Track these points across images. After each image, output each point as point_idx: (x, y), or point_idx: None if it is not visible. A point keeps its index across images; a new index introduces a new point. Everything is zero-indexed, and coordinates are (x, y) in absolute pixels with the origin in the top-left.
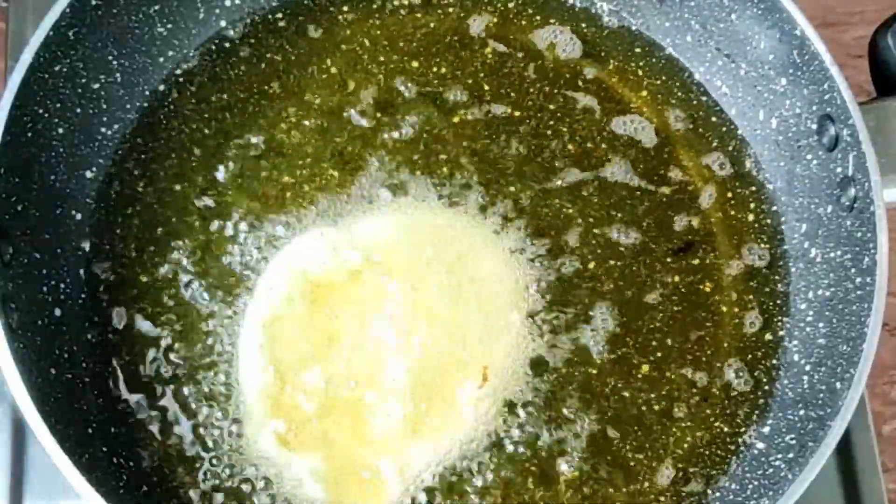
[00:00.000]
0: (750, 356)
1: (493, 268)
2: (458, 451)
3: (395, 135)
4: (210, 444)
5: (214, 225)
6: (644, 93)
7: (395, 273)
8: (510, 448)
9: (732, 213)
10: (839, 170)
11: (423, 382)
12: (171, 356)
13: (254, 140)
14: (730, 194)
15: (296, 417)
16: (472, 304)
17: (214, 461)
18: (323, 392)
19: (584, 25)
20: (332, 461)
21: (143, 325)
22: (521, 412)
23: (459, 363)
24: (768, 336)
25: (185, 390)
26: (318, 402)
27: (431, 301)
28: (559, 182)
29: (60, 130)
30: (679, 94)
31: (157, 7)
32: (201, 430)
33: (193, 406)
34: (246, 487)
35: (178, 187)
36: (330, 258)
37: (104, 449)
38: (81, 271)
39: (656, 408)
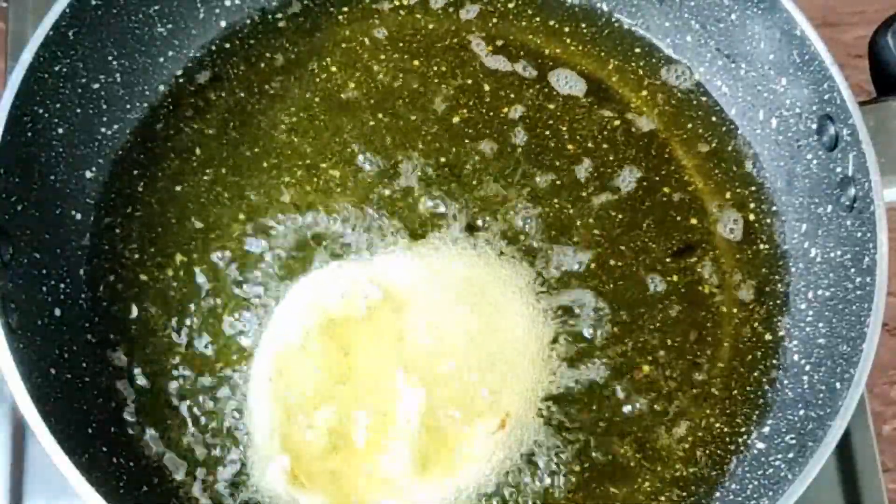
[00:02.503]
0: (750, 356)
1: (513, 310)
2: (466, 496)
3: (398, 137)
4: (212, 456)
5: (217, 233)
6: (644, 92)
7: (413, 312)
8: (520, 491)
9: (732, 213)
10: (839, 170)
11: (435, 425)
12: (173, 358)
13: (253, 141)
14: (729, 194)
15: (304, 453)
16: (491, 347)
17: (216, 475)
18: (333, 429)
19: (584, 25)
20: (338, 500)
21: (144, 326)
22: (532, 453)
23: (474, 407)
24: (768, 336)
25: (188, 394)
26: (328, 439)
27: (449, 343)
28: (558, 182)
29: (60, 130)
30: (679, 94)
31: (157, 7)
32: (203, 440)
33: (196, 413)
34: None
35: (178, 188)
36: (348, 292)
37: (104, 449)
38: (81, 271)
39: (656, 408)
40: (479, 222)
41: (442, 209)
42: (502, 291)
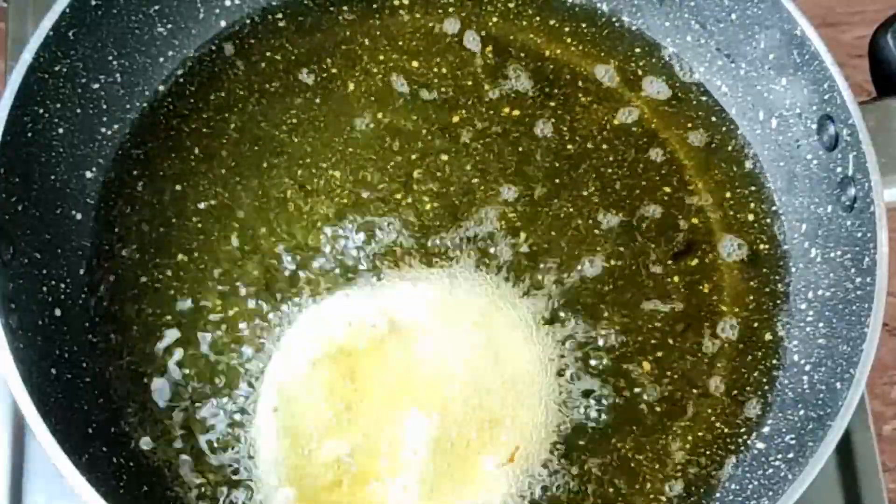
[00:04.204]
0: (750, 356)
1: (521, 341)
2: None
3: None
4: (212, 461)
5: (216, 235)
6: (644, 93)
7: (422, 342)
8: None
9: (732, 213)
10: (839, 170)
11: (443, 457)
12: (173, 359)
13: (253, 140)
14: (729, 194)
15: (309, 484)
16: (501, 379)
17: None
18: (339, 460)
19: (584, 25)
20: None
21: (144, 326)
22: (543, 484)
23: (482, 441)
24: (768, 336)
25: (189, 396)
26: (334, 470)
27: (458, 374)
28: (557, 182)
29: (60, 130)
30: (679, 94)
31: (157, 7)
32: (204, 444)
33: (196, 417)
34: None
35: (178, 188)
36: (356, 321)
37: (104, 449)
38: (81, 271)
39: (656, 408)
40: (479, 233)
41: (444, 229)
42: (510, 321)
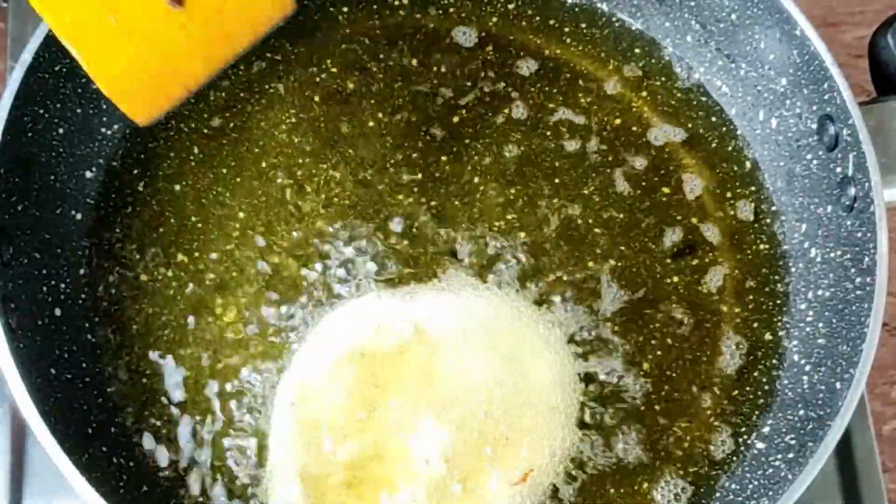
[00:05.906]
0: (750, 357)
1: (544, 362)
2: None
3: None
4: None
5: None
6: (644, 93)
7: (445, 354)
8: None
9: (732, 213)
10: (839, 170)
11: (455, 470)
12: (173, 359)
13: (253, 141)
14: (730, 194)
15: (317, 484)
16: (521, 398)
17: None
18: (349, 463)
19: (584, 25)
20: None
21: (144, 326)
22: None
23: (496, 457)
24: (768, 336)
25: (190, 397)
26: (343, 472)
27: (479, 389)
28: (557, 182)
29: (60, 130)
30: (679, 94)
31: None
32: (204, 445)
33: (194, 417)
34: None
35: (178, 188)
36: (383, 326)
37: (104, 449)
38: (81, 271)
39: (656, 407)
40: (480, 234)
41: (445, 231)
42: (535, 342)
